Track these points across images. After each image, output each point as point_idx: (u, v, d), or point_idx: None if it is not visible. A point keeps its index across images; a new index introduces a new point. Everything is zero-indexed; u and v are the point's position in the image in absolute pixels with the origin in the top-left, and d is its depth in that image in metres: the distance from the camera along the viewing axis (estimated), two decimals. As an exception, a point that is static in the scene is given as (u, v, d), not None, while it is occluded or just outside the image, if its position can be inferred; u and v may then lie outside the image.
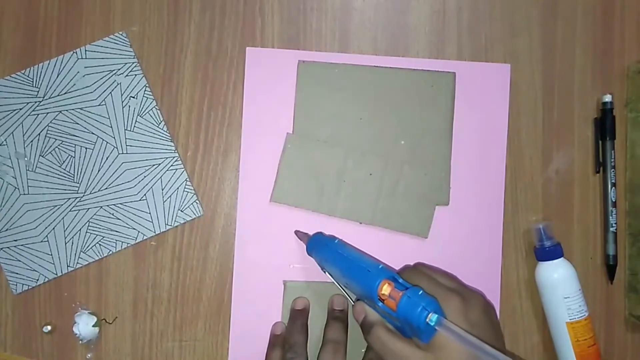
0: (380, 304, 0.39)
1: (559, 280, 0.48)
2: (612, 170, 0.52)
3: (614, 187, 0.52)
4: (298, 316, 0.49)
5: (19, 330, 0.51)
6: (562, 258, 0.49)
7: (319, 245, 0.48)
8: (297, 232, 0.51)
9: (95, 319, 0.50)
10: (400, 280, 0.40)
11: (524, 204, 0.53)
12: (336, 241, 0.47)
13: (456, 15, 0.53)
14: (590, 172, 0.53)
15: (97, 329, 0.50)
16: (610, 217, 0.52)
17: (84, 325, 0.50)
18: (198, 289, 0.51)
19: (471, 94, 0.53)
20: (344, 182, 0.51)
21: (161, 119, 0.51)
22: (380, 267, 0.41)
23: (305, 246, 0.50)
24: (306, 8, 0.53)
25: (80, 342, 0.50)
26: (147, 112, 0.51)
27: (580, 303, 0.48)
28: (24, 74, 0.51)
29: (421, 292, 0.38)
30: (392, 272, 0.40)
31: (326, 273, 0.47)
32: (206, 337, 0.51)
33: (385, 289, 0.39)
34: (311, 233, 0.50)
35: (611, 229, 0.52)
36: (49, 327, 0.50)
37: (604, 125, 0.52)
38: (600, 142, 0.53)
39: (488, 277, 0.52)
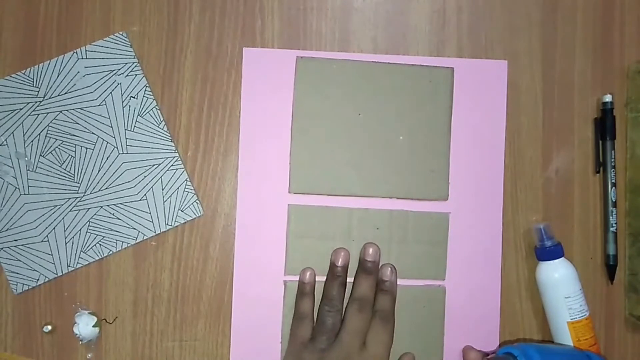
0: None
1: (559, 280, 0.48)
2: (612, 170, 0.52)
3: (614, 187, 0.52)
4: (339, 272, 0.50)
5: (19, 330, 0.51)
6: (562, 258, 0.49)
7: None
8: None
9: (95, 319, 0.50)
10: None
11: (524, 204, 0.53)
12: None
13: (456, 15, 0.53)
14: (590, 172, 0.53)
15: (97, 329, 0.50)
16: (610, 217, 0.52)
17: (84, 326, 0.50)
18: (198, 289, 0.51)
19: (469, 89, 0.53)
20: (352, 241, 0.51)
21: (161, 119, 0.51)
22: None
23: None
24: (306, 8, 0.53)
25: (81, 342, 0.50)
26: (148, 112, 0.51)
27: (581, 303, 0.48)
28: (24, 74, 0.51)
29: None
30: None
31: None
32: (206, 337, 0.51)
33: None
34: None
35: (611, 229, 0.52)
36: (49, 327, 0.50)
37: (604, 125, 0.52)
38: (600, 142, 0.53)
39: (488, 276, 0.52)
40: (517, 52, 0.53)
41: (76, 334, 0.50)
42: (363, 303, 0.48)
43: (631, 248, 0.53)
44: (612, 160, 0.52)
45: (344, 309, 0.49)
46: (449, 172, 0.52)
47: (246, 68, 0.52)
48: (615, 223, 0.52)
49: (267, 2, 0.52)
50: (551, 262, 0.49)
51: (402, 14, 0.53)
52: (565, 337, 0.48)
